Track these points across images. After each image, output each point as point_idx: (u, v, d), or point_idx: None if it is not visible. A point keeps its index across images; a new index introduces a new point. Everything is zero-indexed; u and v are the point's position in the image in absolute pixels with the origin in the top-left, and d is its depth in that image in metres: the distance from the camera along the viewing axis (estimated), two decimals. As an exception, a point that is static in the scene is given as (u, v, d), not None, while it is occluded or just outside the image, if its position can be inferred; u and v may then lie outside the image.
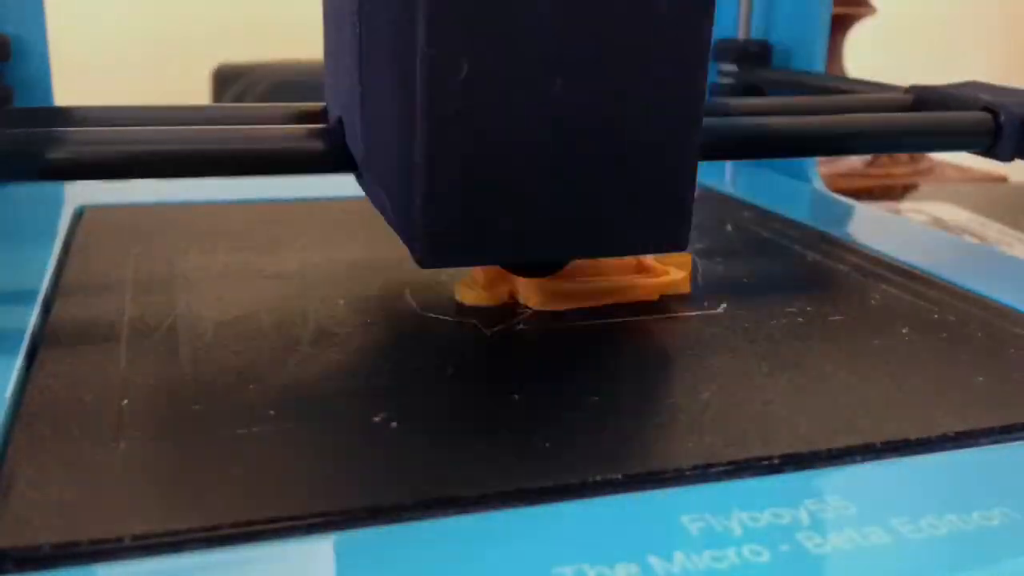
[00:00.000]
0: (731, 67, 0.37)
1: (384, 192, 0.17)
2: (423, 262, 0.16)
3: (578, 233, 0.16)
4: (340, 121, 0.19)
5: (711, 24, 0.16)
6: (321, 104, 0.22)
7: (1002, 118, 0.24)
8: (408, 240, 0.16)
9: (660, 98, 0.16)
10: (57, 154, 0.18)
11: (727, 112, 0.26)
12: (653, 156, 0.16)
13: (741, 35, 0.38)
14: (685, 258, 0.21)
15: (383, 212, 0.18)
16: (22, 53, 0.31)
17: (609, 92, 0.16)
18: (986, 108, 0.24)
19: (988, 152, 0.24)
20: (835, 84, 0.32)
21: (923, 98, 0.27)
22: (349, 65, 0.18)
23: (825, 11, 0.35)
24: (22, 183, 0.18)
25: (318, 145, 0.19)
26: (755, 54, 0.36)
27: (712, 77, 0.38)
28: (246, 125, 0.20)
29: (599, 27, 0.15)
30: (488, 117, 0.15)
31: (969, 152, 0.25)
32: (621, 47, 0.15)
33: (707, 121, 0.19)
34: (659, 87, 0.16)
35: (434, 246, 0.16)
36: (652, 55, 0.16)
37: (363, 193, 0.20)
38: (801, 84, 0.32)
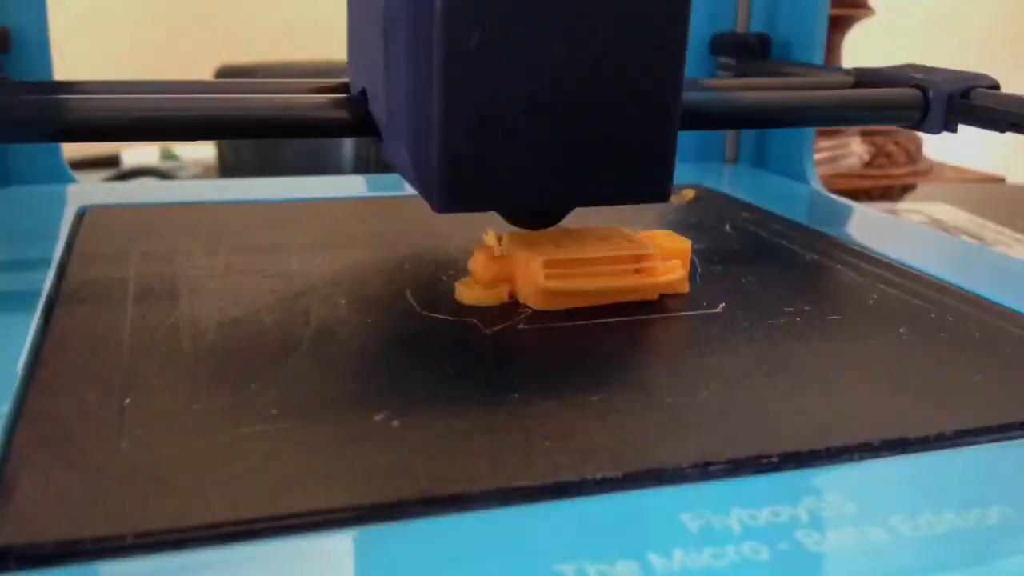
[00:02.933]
0: (730, 60, 0.37)
1: (405, 150, 0.19)
2: (438, 208, 0.18)
3: (575, 184, 0.18)
4: (363, 91, 0.22)
5: None
6: (336, 80, 0.24)
7: (931, 94, 0.26)
8: (425, 190, 0.18)
9: (648, 62, 0.18)
10: (96, 115, 0.21)
11: (692, 88, 0.28)
12: (641, 114, 0.18)
13: (740, 28, 0.38)
14: (685, 254, 0.21)
15: (401, 171, 0.20)
16: (23, 45, 0.31)
17: (604, 56, 0.18)
18: (916, 85, 0.26)
19: (918, 126, 0.26)
20: (800, 70, 0.33)
21: (862, 78, 0.29)
22: (372, 40, 0.20)
23: (823, 5, 0.35)
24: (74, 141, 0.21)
25: (343, 113, 0.22)
26: (754, 47, 0.36)
27: (711, 69, 0.38)
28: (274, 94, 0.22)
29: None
30: (496, 79, 0.17)
31: (900, 126, 0.27)
32: (614, 15, 0.17)
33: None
34: (647, 51, 0.18)
35: (449, 194, 0.18)
36: (640, 22, 0.18)
37: (363, 194, 0.20)
38: (780, 73, 0.33)
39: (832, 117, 0.29)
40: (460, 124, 0.17)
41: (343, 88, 0.24)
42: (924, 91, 0.26)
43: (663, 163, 0.19)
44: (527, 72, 0.17)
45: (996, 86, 0.26)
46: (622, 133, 0.18)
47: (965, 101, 0.26)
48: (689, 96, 0.24)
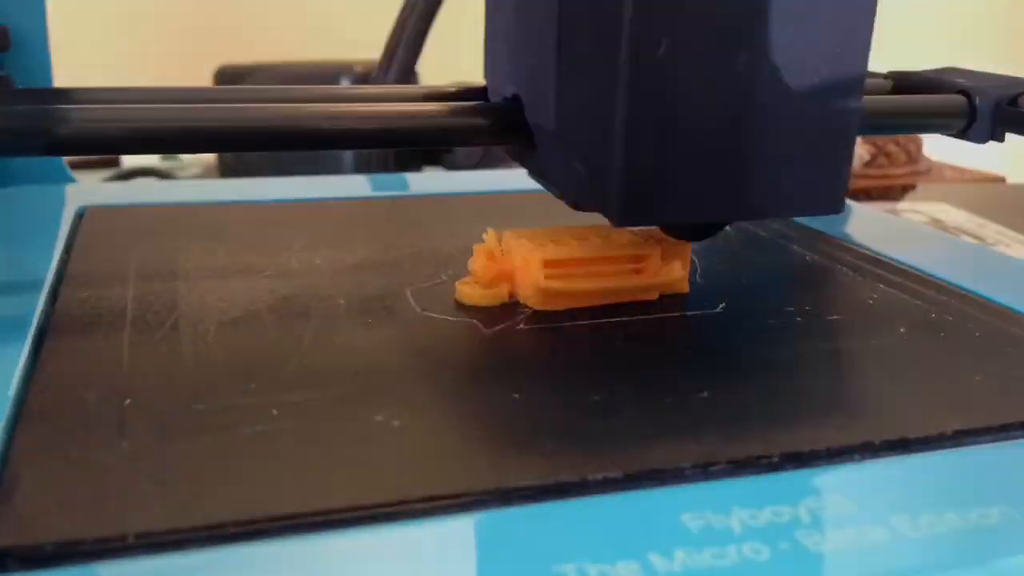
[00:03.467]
0: None
1: (576, 159, 0.18)
2: (617, 221, 0.18)
3: (752, 196, 0.18)
4: (515, 97, 0.21)
5: (876, 2, 0.18)
6: (457, 86, 0.24)
7: (977, 101, 0.25)
8: (600, 201, 0.18)
9: (830, 72, 0.18)
10: (171, 124, 0.19)
11: None
12: (822, 125, 0.18)
13: None
14: (685, 251, 0.21)
15: (556, 180, 0.20)
16: (22, 44, 0.31)
17: (787, 63, 0.17)
18: (961, 91, 0.25)
19: (963, 134, 0.25)
20: None
21: (902, 82, 0.28)
22: (533, 44, 0.20)
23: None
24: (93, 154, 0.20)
25: (489, 121, 0.21)
26: None
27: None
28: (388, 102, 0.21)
29: (779, 6, 0.17)
30: (681, 88, 0.17)
31: (944, 134, 0.26)
32: (797, 24, 0.17)
33: None
34: (829, 62, 0.17)
35: (628, 206, 0.17)
36: (824, 33, 0.17)
37: (363, 194, 0.20)
38: None
39: (873, 125, 0.27)
40: (643, 136, 0.17)
41: (470, 95, 0.23)
42: (970, 97, 0.25)
43: (838, 173, 0.18)
44: (712, 81, 0.17)
45: None
46: (802, 143, 0.18)
47: (1013, 108, 0.24)
48: None
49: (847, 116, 0.18)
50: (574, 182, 0.19)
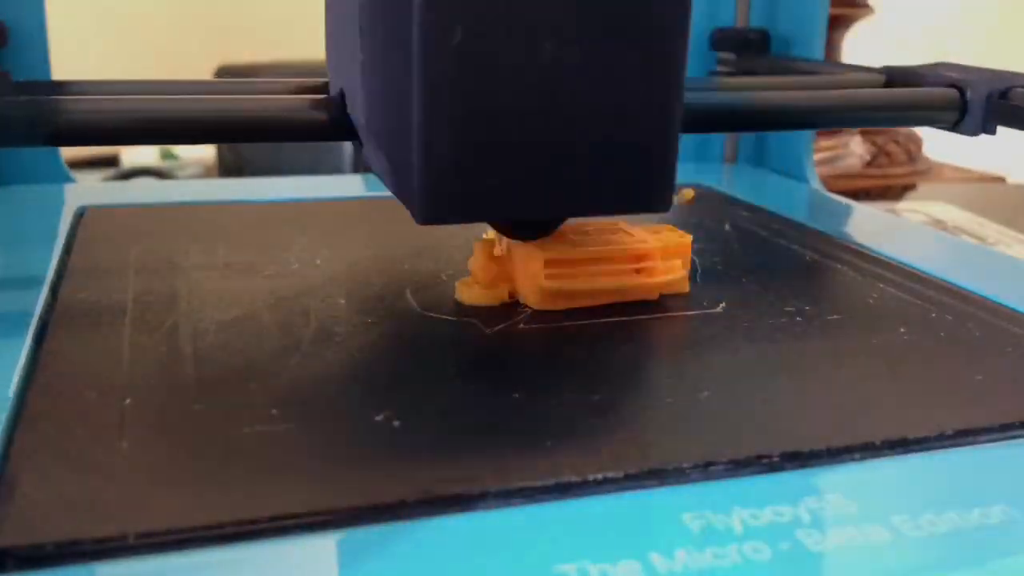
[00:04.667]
0: (730, 55, 0.37)
1: (384, 155, 0.18)
2: (419, 219, 0.17)
3: (566, 193, 0.17)
4: (342, 93, 0.20)
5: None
6: (320, 80, 0.24)
7: (968, 94, 0.25)
8: (406, 199, 0.17)
9: (645, 64, 0.17)
10: (70, 119, 0.20)
11: (714, 88, 0.28)
12: (638, 120, 0.17)
13: (740, 24, 0.38)
14: (686, 249, 0.21)
15: (382, 177, 0.19)
16: (20, 41, 0.31)
17: (596, 57, 0.16)
18: (953, 85, 0.25)
19: (955, 127, 0.25)
20: (820, 68, 0.33)
21: (895, 76, 0.28)
22: (349, 38, 0.19)
23: (823, 1, 0.35)
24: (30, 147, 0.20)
25: (321, 115, 0.21)
26: (754, 43, 0.36)
27: (710, 65, 0.38)
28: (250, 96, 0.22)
29: None
30: (481, 80, 0.16)
31: (936, 127, 0.26)
32: (607, 13, 0.16)
33: (693, 95, 0.21)
34: (644, 53, 0.17)
35: (430, 204, 0.16)
36: (637, 22, 0.16)
37: (363, 194, 0.20)
38: (791, 69, 0.33)
39: (866, 118, 0.28)
40: (442, 128, 0.16)
41: (324, 89, 0.23)
42: (961, 91, 0.25)
43: (663, 171, 0.17)
44: (514, 72, 0.16)
45: None
46: (618, 138, 0.17)
47: (1004, 101, 0.25)
48: (715, 97, 0.24)
49: (664, 112, 0.17)
50: (389, 179, 0.18)
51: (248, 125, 0.21)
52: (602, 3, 0.16)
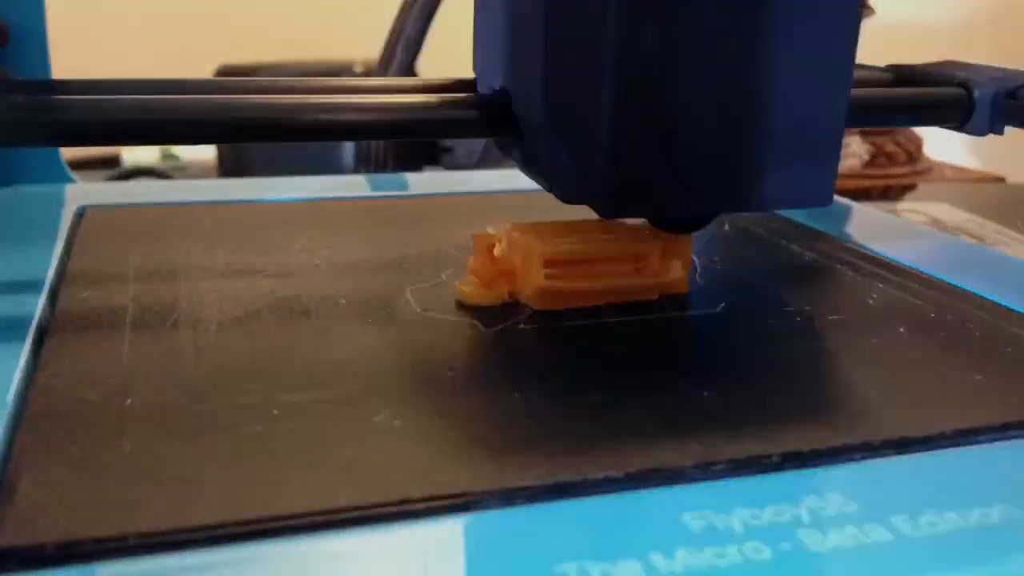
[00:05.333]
0: None
1: (564, 153, 0.18)
2: (604, 212, 0.18)
3: (743, 188, 0.18)
4: (502, 90, 0.21)
5: None
6: (445, 79, 0.23)
7: (976, 94, 0.25)
8: (589, 195, 0.18)
9: (817, 66, 0.18)
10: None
11: None
12: (812, 115, 0.18)
13: None
14: (686, 245, 0.21)
15: (548, 178, 0.19)
16: (20, 41, 0.31)
17: (773, 59, 0.17)
18: (960, 84, 0.25)
19: (962, 127, 0.25)
20: None
21: (901, 75, 0.28)
22: (522, 36, 0.19)
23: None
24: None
25: (478, 113, 0.21)
26: None
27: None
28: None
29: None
30: (669, 79, 0.17)
31: (943, 127, 0.26)
32: (786, 16, 0.17)
33: None
34: (817, 56, 0.18)
35: (616, 198, 0.17)
36: (812, 26, 0.17)
37: (363, 194, 0.20)
38: None
39: (873, 118, 0.28)
40: (631, 127, 0.17)
41: (459, 87, 0.23)
42: (968, 90, 0.25)
43: (828, 166, 0.18)
44: (700, 72, 0.17)
45: None
46: (792, 135, 0.18)
47: (1012, 101, 0.24)
48: None
49: (836, 111, 0.18)
50: (563, 175, 0.19)
51: (414, 124, 0.21)
52: (782, 7, 0.17)
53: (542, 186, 0.20)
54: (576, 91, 0.18)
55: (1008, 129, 0.25)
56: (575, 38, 0.17)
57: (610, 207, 0.17)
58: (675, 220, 0.21)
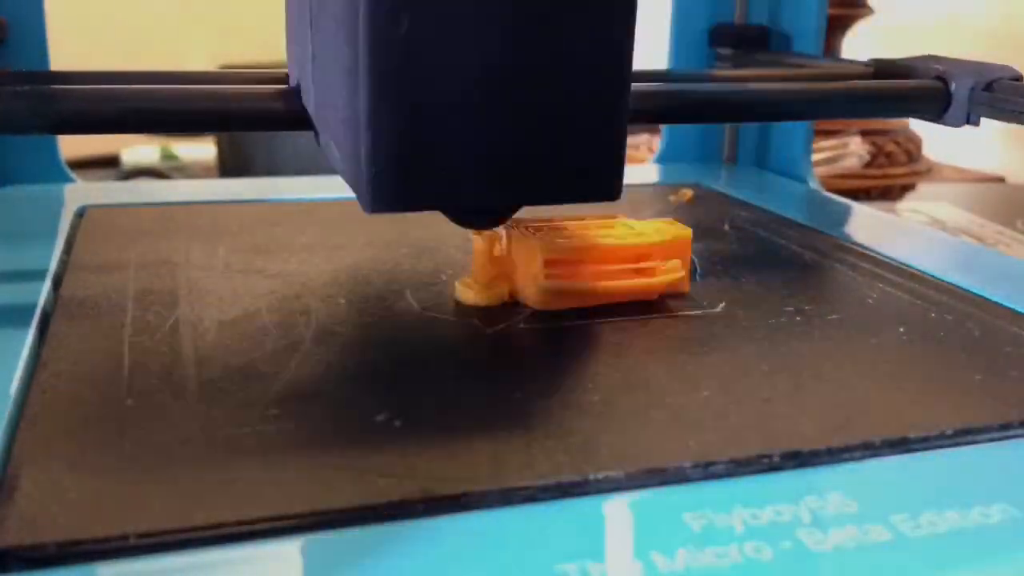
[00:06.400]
0: (728, 51, 0.37)
1: (333, 144, 0.18)
2: (368, 207, 0.17)
3: (514, 181, 0.17)
4: (298, 84, 0.21)
5: None
6: (282, 72, 0.24)
7: (953, 86, 0.25)
8: (355, 187, 0.17)
9: (591, 54, 0.17)
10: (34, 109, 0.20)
11: (698, 79, 0.28)
12: (584, 110, 0.17)
13: (739, 20, 0.38)
14: (686, 243, 0.21)
15: (335, 165, 0.19)
16: (19, 37, 0.31)
17: (544, 44, 0.16)
18: (938, 77, 0.26)
19: (940, 118, 0.26)
20: (809, 61, 0.33)
21: (882, 68, 0.28)
22: (303, 29, 0.19)
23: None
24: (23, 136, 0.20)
25: (278, 105, 0.21)
26: (752, 39, 0.37)
27: (709, 60, 0.38)
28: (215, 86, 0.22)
29: None
30: (427, 69, 0.16)
31: (922, 118, 0.26)
32: (554, 4, 0.16)
33: (676, 86, 0.23)
34: (590, 43, 0.17)
35: (379, 192, 0.16)
36: (584, 12, 0.16)
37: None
38: (782, 64, 0.33)
39: (853, 109, 0.28)
40: (389, 118, 0.16)
41: (284, 80, 0.23)
42: (946, 83, 0.26)
43: (611, 159, 0.17)
44: (460, 62, 0.16)
45: (1019, 78, 0.25)
46: (565, 127, 0.17)
47: (988, 93, 0.25)
48: (707, 88, 0.24)
49: (613, 98, 0.17)
50: (340, 168, 0.18)
51: (206, 114, 0.21)
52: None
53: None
54: (339, 82, 0.17)
55: (1008, 129, 0.25)
56: (336, 29, 0.17)
57: (372, 201, 0.16)
58: (463, 213, 0.20)
